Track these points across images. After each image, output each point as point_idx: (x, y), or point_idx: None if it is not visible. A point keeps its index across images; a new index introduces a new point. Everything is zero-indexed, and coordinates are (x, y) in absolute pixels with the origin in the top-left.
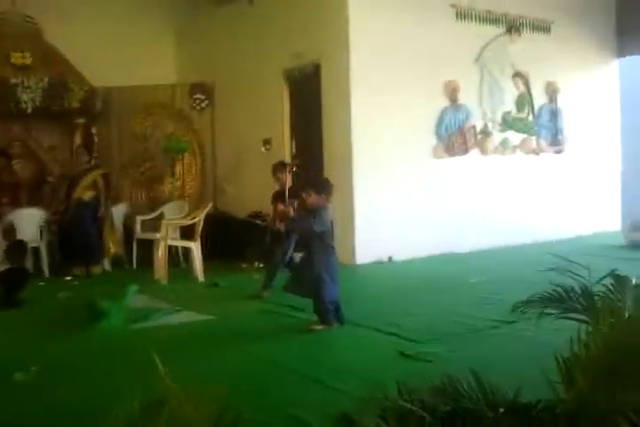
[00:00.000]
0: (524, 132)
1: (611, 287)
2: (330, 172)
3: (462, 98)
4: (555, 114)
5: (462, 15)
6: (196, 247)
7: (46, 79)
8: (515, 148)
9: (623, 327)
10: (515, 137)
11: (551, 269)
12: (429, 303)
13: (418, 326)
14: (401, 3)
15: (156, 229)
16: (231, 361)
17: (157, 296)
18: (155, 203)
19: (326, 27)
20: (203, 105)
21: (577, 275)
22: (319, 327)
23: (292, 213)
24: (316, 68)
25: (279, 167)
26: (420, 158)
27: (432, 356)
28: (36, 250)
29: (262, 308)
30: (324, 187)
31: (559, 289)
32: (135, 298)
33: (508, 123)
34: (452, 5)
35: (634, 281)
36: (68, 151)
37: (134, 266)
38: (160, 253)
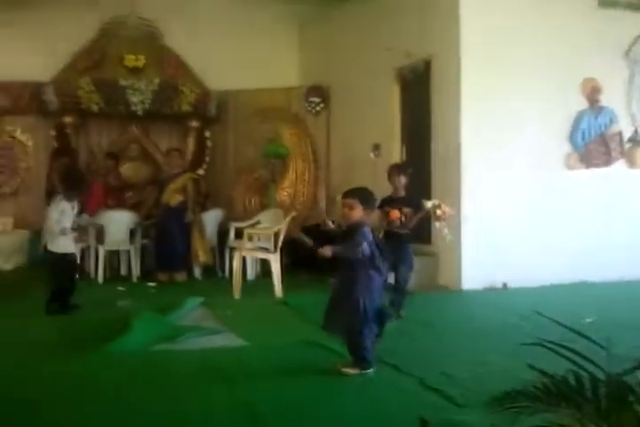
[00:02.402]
0: None
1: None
2: (436, 181)
3: (605, 99)
4: None
5: (606, 1)
6: (274, 259)
7: (157, 81)
8: None
9: None
10: None
11: None
12: (514, 349)
13: (478, 380)
14: None
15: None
16: (209, 403)
17: (216, 312)
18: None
19: (437, 23)
20: (318, 108)
21: None
22: (352, 371)
23: (401, 219)
24: (427, 67)
25: (394, 170)
26: (548, 168)
27: None
28: (127, 254)
29: (309, 338)
30: (370, 199)
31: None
32: (192, 312)
33: None
34: None
35: None
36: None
37: (226, 275)
38: (235, 265)
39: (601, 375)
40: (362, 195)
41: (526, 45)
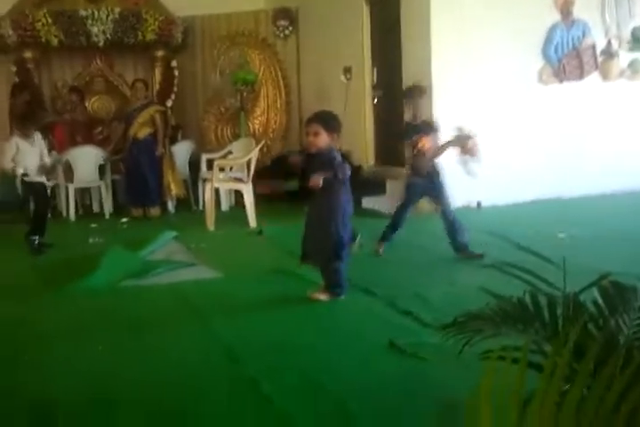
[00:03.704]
0: None
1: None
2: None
3: (578, 11)
4: None
5: None
6: (246, 190)
7: (118, 10)
8: None
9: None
10: None
11: None
12: (484, 268)
13: (449, 300)
14: None
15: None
16: (182, 340)
17: (189, 245)
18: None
19: None
20: (286, 32)
21: None
22: (322, 297)
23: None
24: None
25: (415, 92)
26: (521, 84)
27: (430, 351)
28: (98, 191)
29: (283, 266)
30: (336, 124)
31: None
32: (165, 247)
33: None
34: None
35: None
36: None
37: (200, 208)
38: (207, 197)
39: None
40: (325, 119)
41: None
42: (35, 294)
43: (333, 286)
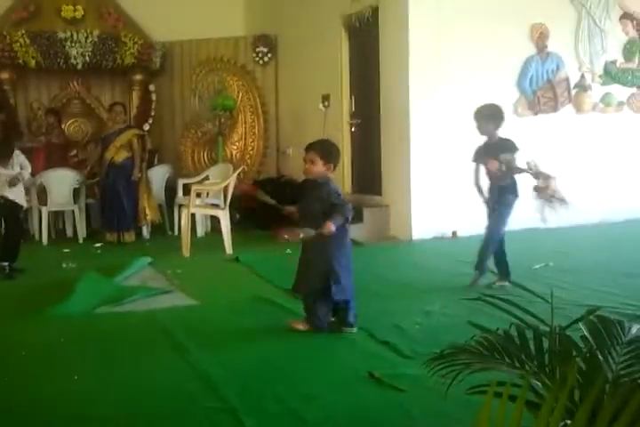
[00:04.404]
0: (632, 85)
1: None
2: (386, 132)
3: (552, 45)
4: None
5: None
6: (223, 216)
7: (96, 33)
8: (620, 104)
9: None
10: (620, 91)
11: None
12: (461, 300)
13: (427, 333)
14: None
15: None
16: (157, 369)
17: (165, 271)
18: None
19: None
20: (265, 59)
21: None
22: (301, 327)
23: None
24: (375, 13)
25: (485, 112)
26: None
27: (409, 382)
28: (71, 214)
29: (261, 294)
30: (334, 155)
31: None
32: (140, 273)
33: (611, 74)
34: None
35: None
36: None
37: (175, 233)
38: (183, 222)
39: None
40: (323, 148)
41: None
42: (8, 319)
43: (313, 321)
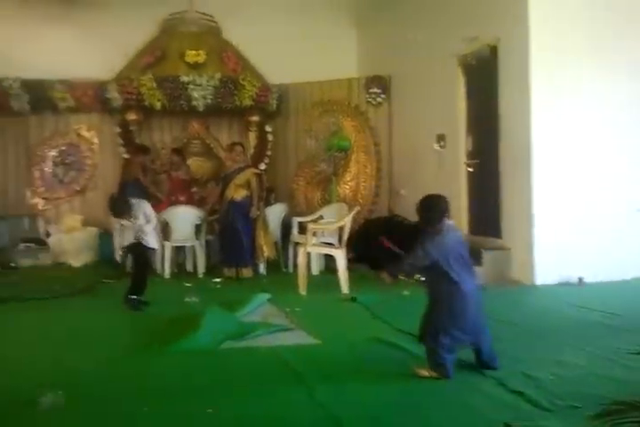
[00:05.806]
0: None
1: None
2: (506, 172)
3: None
4: None
5: None
6: (340, 255)
7: (218, 76)
8: None
9: None
10: None
11: None
12: (600, 348)
13: (560, 383)
14: None
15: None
16: (285, 405)
17: (284, 308)
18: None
19: (503, 4)
20: (379, 99)
21: None
22: (426, 373)
23: None
24: (493, 52)
25: None
26: (630, 158)
27: None
28: (192, 250)
29: (381, 336)
30: (431, 215)
31: None
32: (260, 309)
33: None
34: None
35: None
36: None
37: (290, 270)
38: (300, 260)
39: None
40: (422, 209)
41: (603, 25)
42: (142, 352)
43: (435, 367)
